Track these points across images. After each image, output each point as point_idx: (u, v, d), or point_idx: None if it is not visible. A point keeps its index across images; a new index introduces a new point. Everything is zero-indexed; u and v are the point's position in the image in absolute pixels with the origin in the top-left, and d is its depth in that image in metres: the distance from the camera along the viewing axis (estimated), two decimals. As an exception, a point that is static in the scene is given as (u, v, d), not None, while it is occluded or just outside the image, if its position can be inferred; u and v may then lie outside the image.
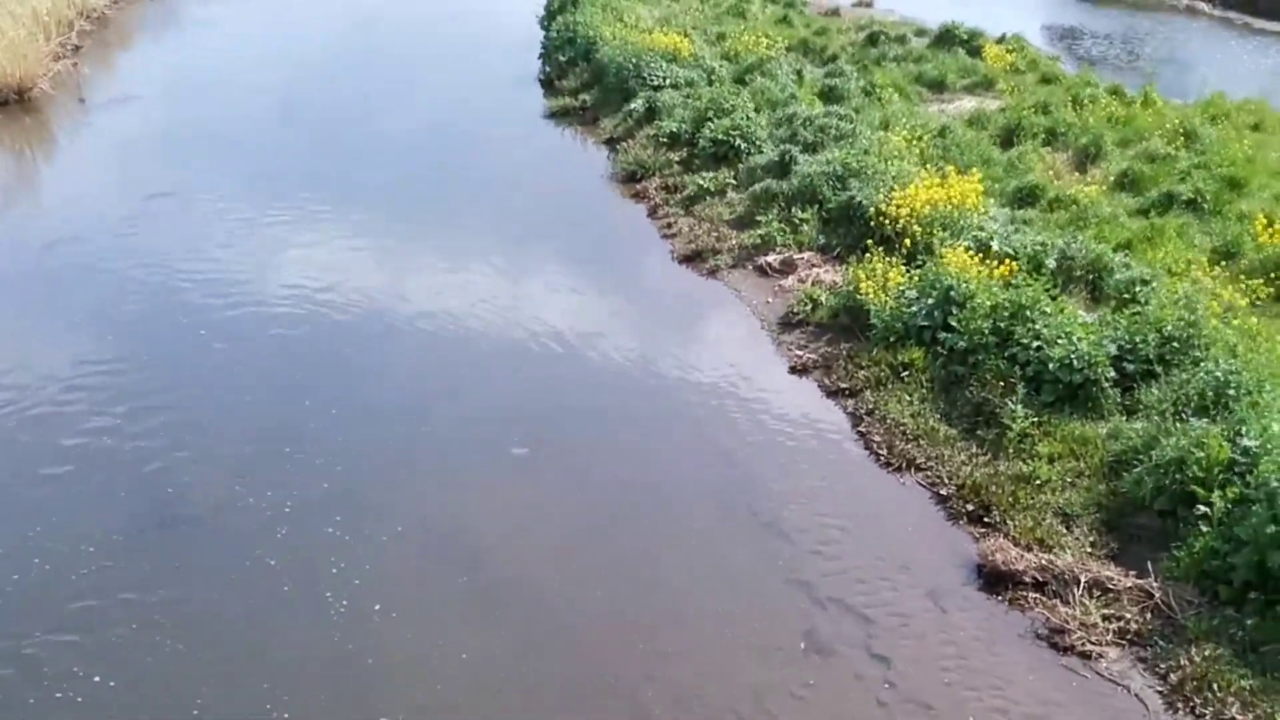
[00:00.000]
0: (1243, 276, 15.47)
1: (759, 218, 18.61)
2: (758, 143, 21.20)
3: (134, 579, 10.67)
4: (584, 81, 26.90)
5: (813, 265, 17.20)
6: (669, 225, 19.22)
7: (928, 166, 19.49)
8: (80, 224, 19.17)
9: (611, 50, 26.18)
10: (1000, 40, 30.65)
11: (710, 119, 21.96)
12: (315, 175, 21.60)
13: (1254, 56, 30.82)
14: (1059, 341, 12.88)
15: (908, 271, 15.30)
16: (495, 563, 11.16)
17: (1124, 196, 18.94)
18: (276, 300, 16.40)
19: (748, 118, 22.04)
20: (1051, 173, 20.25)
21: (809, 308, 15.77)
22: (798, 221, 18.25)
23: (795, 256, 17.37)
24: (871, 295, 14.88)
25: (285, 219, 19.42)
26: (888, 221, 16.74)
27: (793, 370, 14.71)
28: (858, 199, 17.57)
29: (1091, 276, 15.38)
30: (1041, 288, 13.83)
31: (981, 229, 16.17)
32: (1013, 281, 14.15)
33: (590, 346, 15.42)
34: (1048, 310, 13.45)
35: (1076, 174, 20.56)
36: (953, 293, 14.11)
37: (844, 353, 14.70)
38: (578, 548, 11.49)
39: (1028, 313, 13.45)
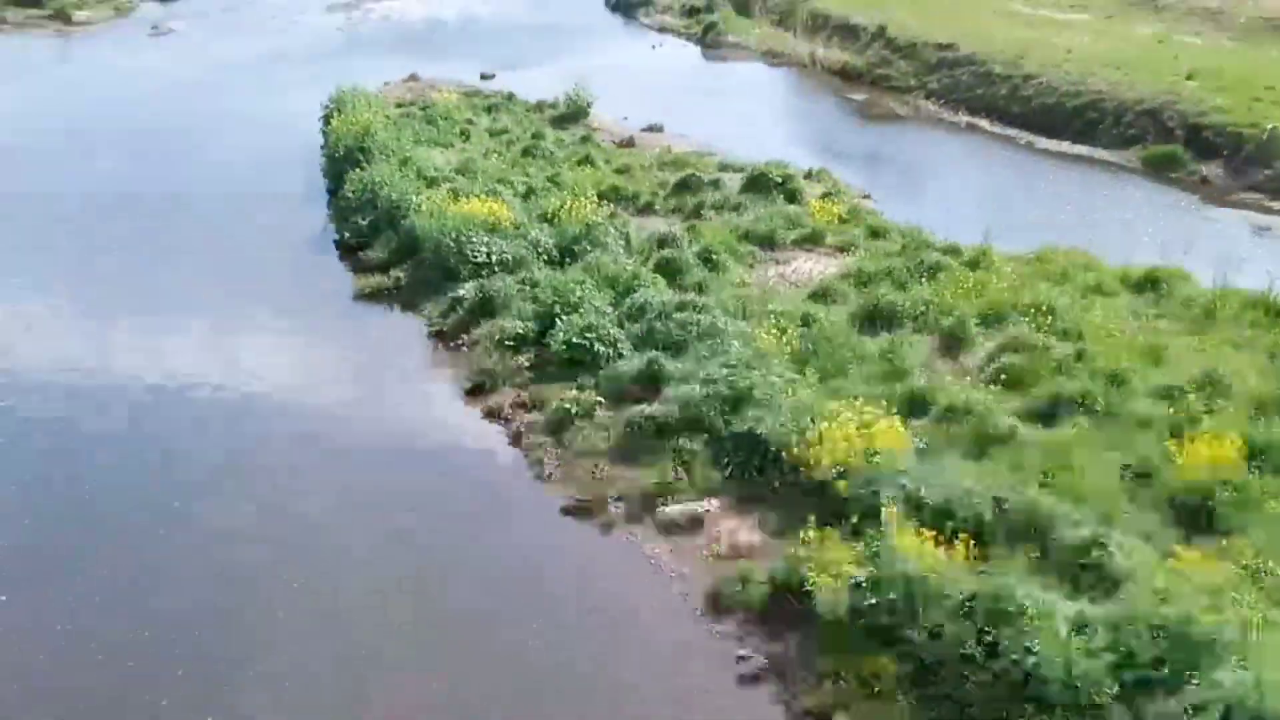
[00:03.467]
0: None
1: (643, 453, 16.90)
2: (615, 343, 19.48)
3: None
4: (393, 251, 24.56)
5: (720, 517, 15.57)
6: (540, 461, 17.20)
7: (806, 371, 18.38)
8: None
9: (424, 221, 23.96)
10: (809, 175, 30.14)
11: (558, 315, 20.12)
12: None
13: (1045, 183, 31.40)
14: (1056, 661, 11.63)
15: (848, 541, 13.82)
16: None
17: (1010, 397, 18.10)
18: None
19: (597, 310, 20.34)
20: (924, 365, 19.35)
21: (739, 587, 14.09)
22: (688, 456, 16.63)
23: (700, 509, 15.69)
24: (817, 580, 13.32)
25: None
26: (802, 469, 15.36)
27: (743, 680, 12.95)
28: (761, 434, 16.13)
29: (1033, 530, 14.31)
30: (1015, 578, 12.61)
31: (904, 474, 14.91)
32: (983, 569, 12.91)
33: (490, 652, 13.30)
34: (1027, 606, 12.21)
35: (947, 360, 19.77)
36: (914, 584, 12.74)
37: (795, 653, 13.08)
38: None
39: (1007, 608, 12.19)
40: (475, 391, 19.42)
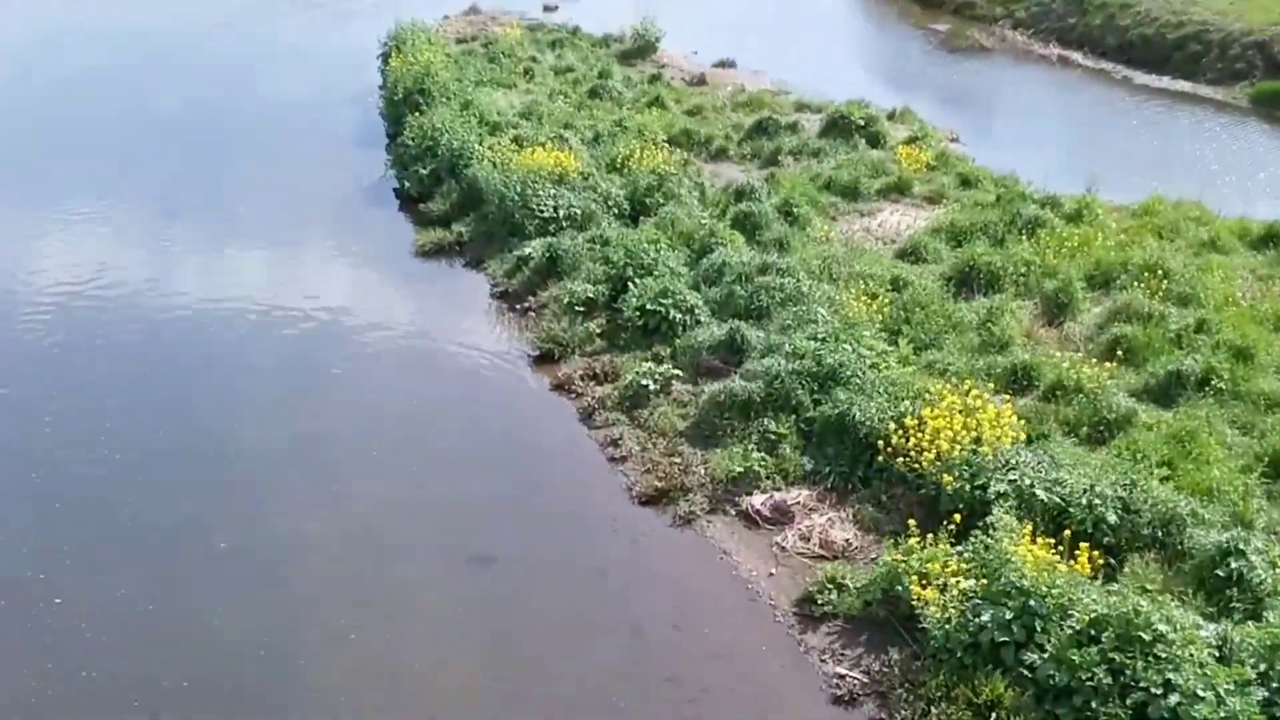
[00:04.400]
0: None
1: (724, 434, 15.67)
2: (692, 310, 18.19)
3: None
4: (454, 203, 23.36)
5: (811, 510, 14.34)
6: (614, 443, 16.01)
7: (899, 342, 17.03)
8: None
9: (488, 173, 22.69)
10: (892, 116, 28.45)
11: (631, 278, 18.86)
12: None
13: (1145, 122, 29.35)
14: (1200, 695, 10.34)
15: (957, 549, 12.53)
16: None
17: (1124, 372, 16.57)
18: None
19: (672, 271, 19.09)
20: (1026, 335, 17.88)
21: (832, 593, 12.89)
22: (774, 438, 15.38)
23: (787, 499, 14.44)
24: (921, 594, 12.08)
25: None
26: (901, 459, 14.07)
27: (838, 701, 11.80)
28: (854, 417, 14.83)
29: (1160, 534, 12.95)
30: (1155, 603, 11.28)
31: (1014, 467, 13.57)
32: (1112, 586, 11.61)
33: (561, 663, 12.26)
34: (1164, 631, 10.90)
35: (1051, 329, 18.27)
36: (1032, 601, 11.46)
37: (898, 671, 11.87)
38: None
39: (1142, 635, 10.88)
40: (543, 360, 18.26)
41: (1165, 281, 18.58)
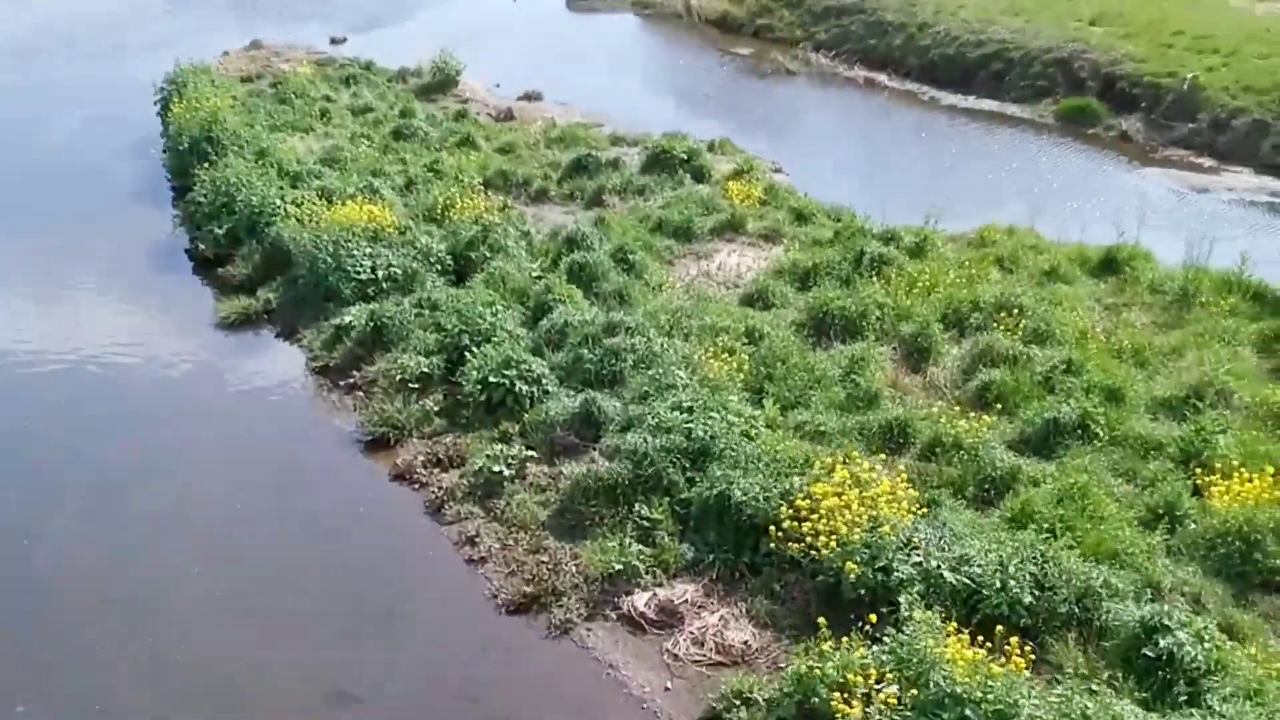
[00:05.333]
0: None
1: (593, 523, 14.21)
2: (539, 380, 16.67)
3: None
4: (258, 266, 21.20)
5: (700, 607, 13.01)
6: (470, 540, 14.35)
7: (765, 400, 15.95)
8: None
9: (295, 232, 20.65)
10: (712, 148, 27.51)
11: (468, 346, 17.24)
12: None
13: (957, 144, 29.19)
14: (1165, 811, 9.47)
15: (874, 650, 11.40)
16: None
17: (998, 421, 15.81)
18: None
19: (512, 336, 17.55)
20: (892, 384, 17.03)
21: (741, 709, 11.58)
22: (648, 524, 14.01)
23: (673, 597, 13.08)
24: (843, 709, 10.87)
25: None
26: (793, 544, 12.89)
27: (764, 842, 10.51)
28: (734, 498, 13.56)
29: (1077, 610, 12.14)
30: (1100, 702, 10.37)
31: (916, 546, 12.58)
32: (1055, 688, 10.67)
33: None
34: (1112, 735, 10.02)
35: (914, 375, 17.49)
36: (969, 711, 10.40)
37: (825, 799, 10.67)
38: None
39: (1089, 744, 9.97)
40: (378, 445, 16.42)
41: (1021, 319, 18.02)
